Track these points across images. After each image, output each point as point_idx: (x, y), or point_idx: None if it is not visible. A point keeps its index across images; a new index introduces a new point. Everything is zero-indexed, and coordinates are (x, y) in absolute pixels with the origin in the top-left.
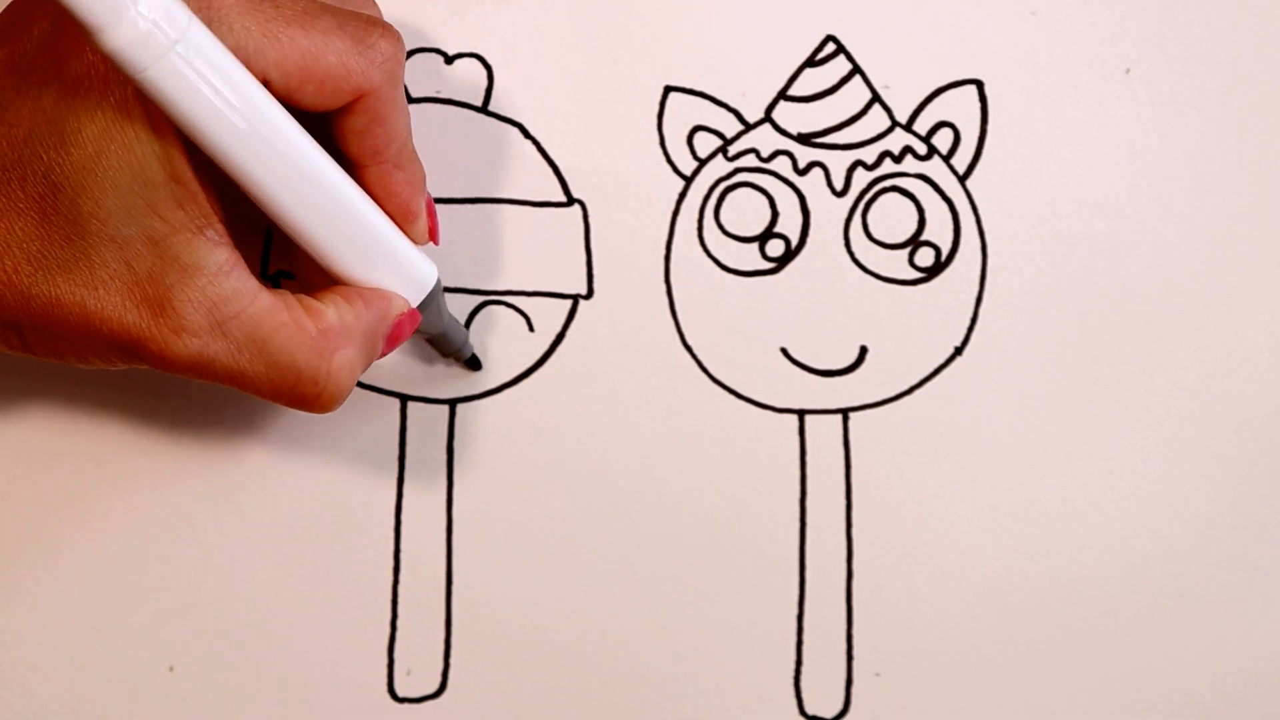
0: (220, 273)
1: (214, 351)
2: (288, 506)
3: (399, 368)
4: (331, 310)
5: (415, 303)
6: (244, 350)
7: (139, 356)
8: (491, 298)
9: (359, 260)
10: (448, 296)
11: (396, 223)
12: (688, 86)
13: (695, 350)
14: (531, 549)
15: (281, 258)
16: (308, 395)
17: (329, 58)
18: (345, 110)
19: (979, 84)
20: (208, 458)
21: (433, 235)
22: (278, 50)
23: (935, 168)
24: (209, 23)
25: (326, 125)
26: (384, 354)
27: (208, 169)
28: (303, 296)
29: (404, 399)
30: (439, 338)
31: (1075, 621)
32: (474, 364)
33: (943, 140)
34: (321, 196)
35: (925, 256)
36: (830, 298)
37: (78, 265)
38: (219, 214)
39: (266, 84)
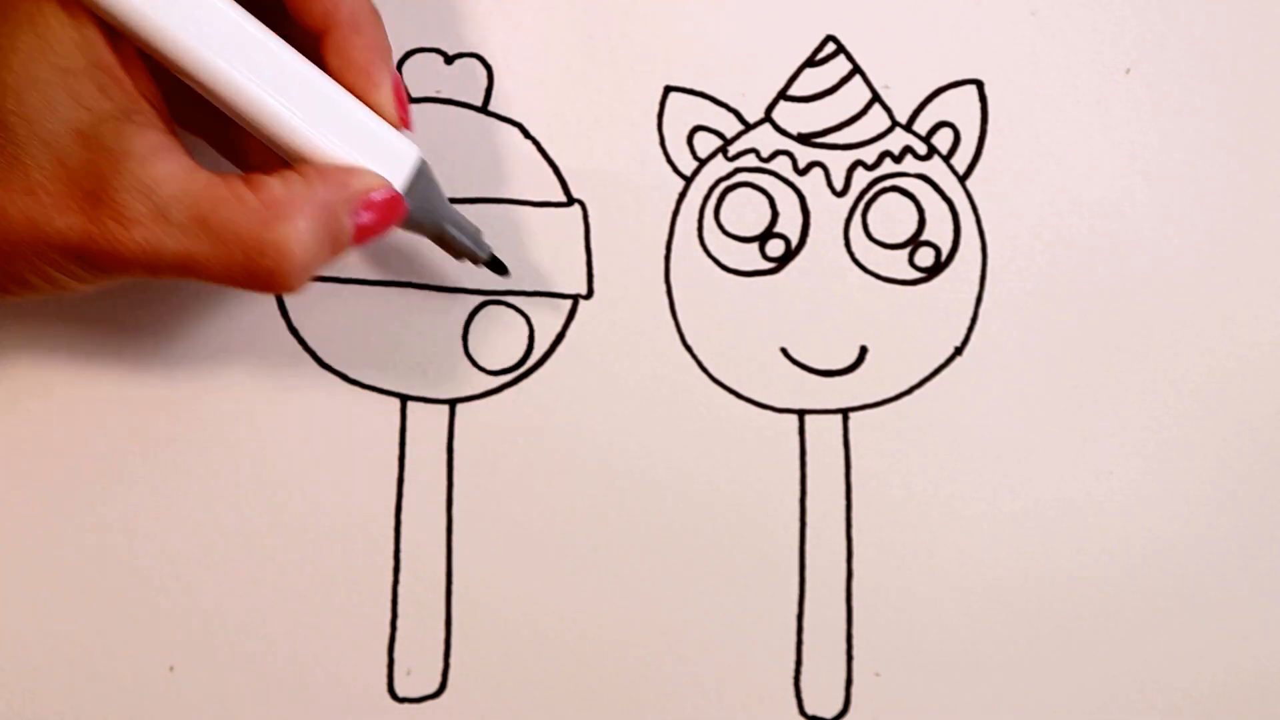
0: (153, 155)
1: (158, 237)
2: (288, 506)
3: (399, 368)
4: (277, 182)
5: (397, 185)
6: (187, 232)
7: (87, 259)
8: (491, 298)
9: (313, 134)
10: (421, 295)
11: (358, 93)
12: (688, 86)
13: (695, 350)
14: (531, 549)
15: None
16: (259, 270)
17: None
18: None
19: (979, 84)
20: (208, 457)
21: (403, 120)
22: None
23: (935, 168)
24: None
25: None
26: (360, 238)
27: (133, 54)
28: (249, 175)
29: (404, 399)
30: (443, 236)
31: (1075, 621)
32: (497, 267)
33: (943, 140)
34: (260, 64)
35: (925, 256)
36: (830, 298)
37: (12, 171)
38: (149, 98)
39: None
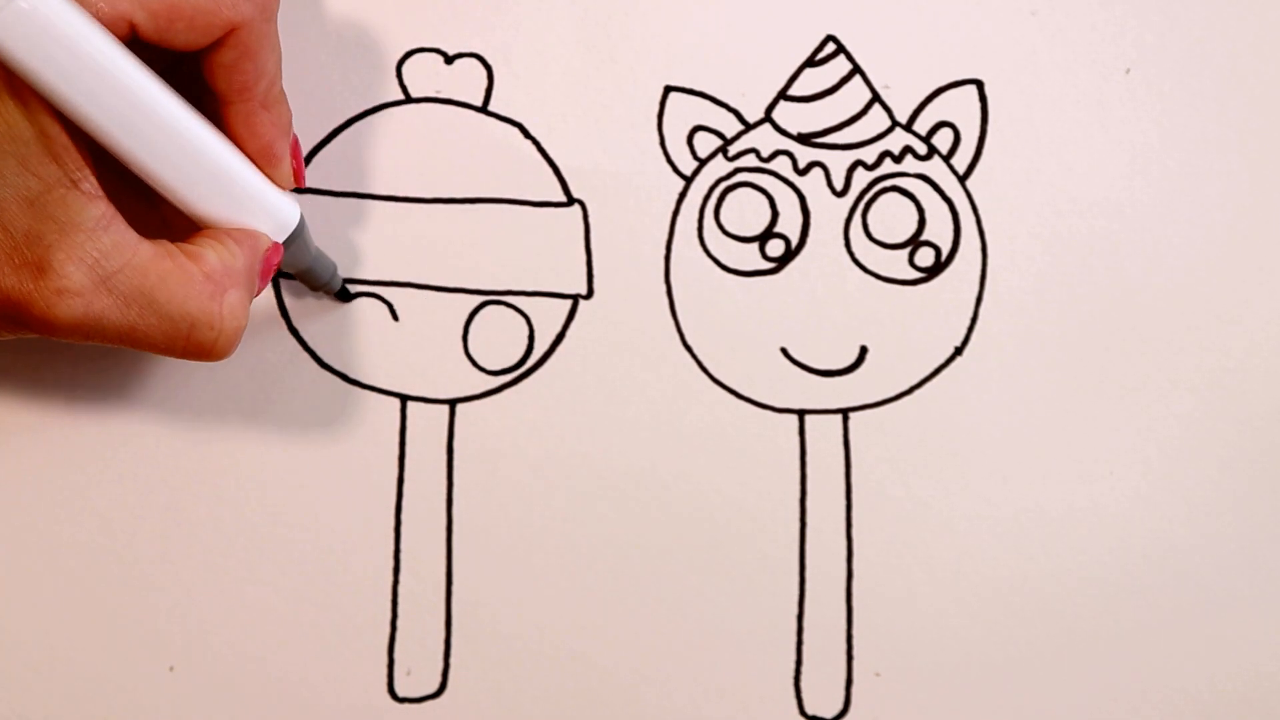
0: (99, 227)
1: (100, 309)
2: (288, 506)
3: (399, 368)
4: (211, 253)
5: (280, 239)
6: (132, 304)
7: (22, 323)
8: (491, 298)
9: (219, 202)
10: (421, 295)
11: (259, 164)
12: (688, 86)
13: (695, 350)
14: (531, 549)
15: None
16: (204, 343)
17: None
18: (216, 45)
19: (979, 84)
20: (207, 458)
21: (297, 178)
22: None
23: (935, 168)
24: None
25: (196, 66)
26: (258, 292)
27: (76, 129)
28: (181, 244)
29: (404, 399)
30: (306, 272)
31: (1075, 621)
32: (344, 295)
33: (943, 140)
34: (174, 141)
35: (925, 256)
36: (830, 298)
37: None
38: (91, 167)
39: (134, 28)
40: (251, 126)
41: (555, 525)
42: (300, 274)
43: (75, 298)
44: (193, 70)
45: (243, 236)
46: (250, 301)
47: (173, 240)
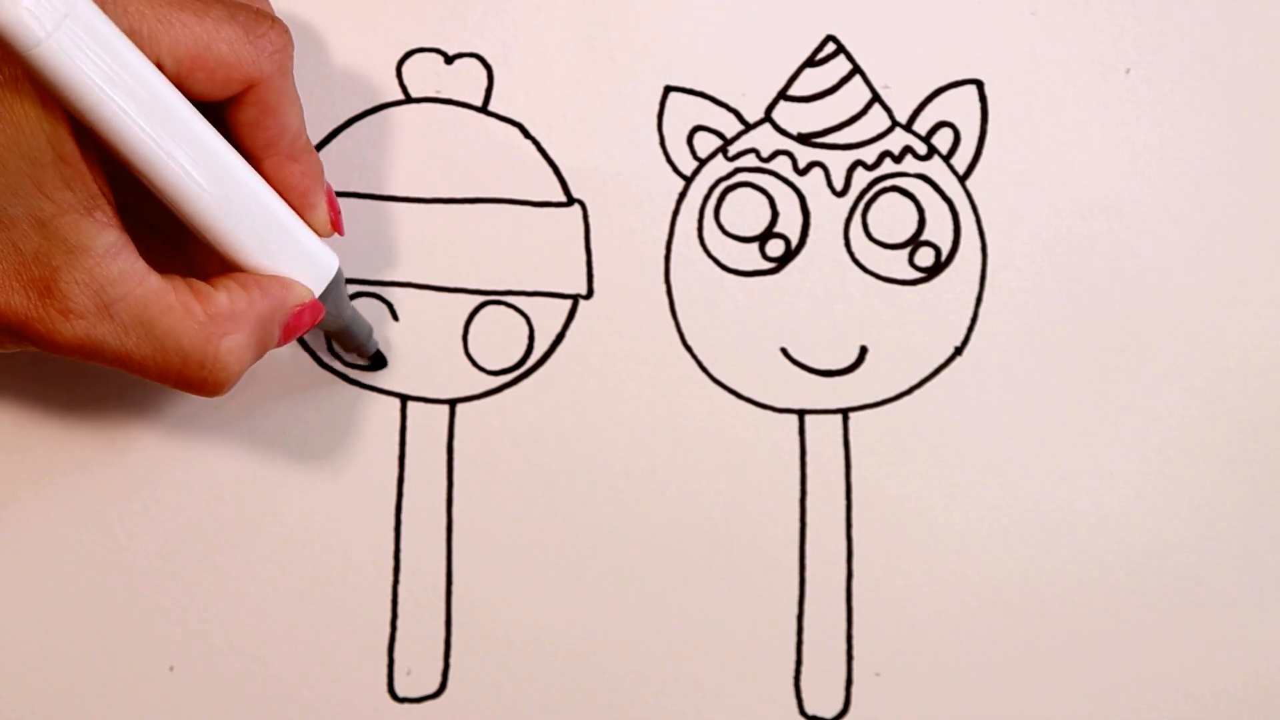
0: (108, 255)
1: (100, 334)
2: (287, 506)
3: (399, 368)
4: (223, 295)
5: (317, 293)
6: (130, 333)
7: (25, 337)
8: (491, 298)
9: (255, 246)
10: (421, 295)
11: (295, 212)
12: (688, 86)
13: (695, 350)
14: (531, 549)
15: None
16: (194, 379)
17: (220, 45)
18: (237, 101)
19: (979, 84)
20: (207, 458)
21: (336, 226)
22: (170, 35)
23: (935, 168)
24: (102, 5)
25: (222, 121)
26: (281, 343)
27: (95, 152)
28: (194, 281)
29: (404, 399)
30: (341, 333)
31: (1075, 622)
32: (378, 361)
33: (943, 140)
34: (218, 179)
35: (925, 256)
36: (830, 298)
37: None
38: (107, 196)
39: (159, 68)
40: (283, 179)
41: (555, 525)
42: (335, 334)
43: (78, 320)
44: (220, 126)
45: (270, 285)
46: (259, 351)
47: (200, 278)
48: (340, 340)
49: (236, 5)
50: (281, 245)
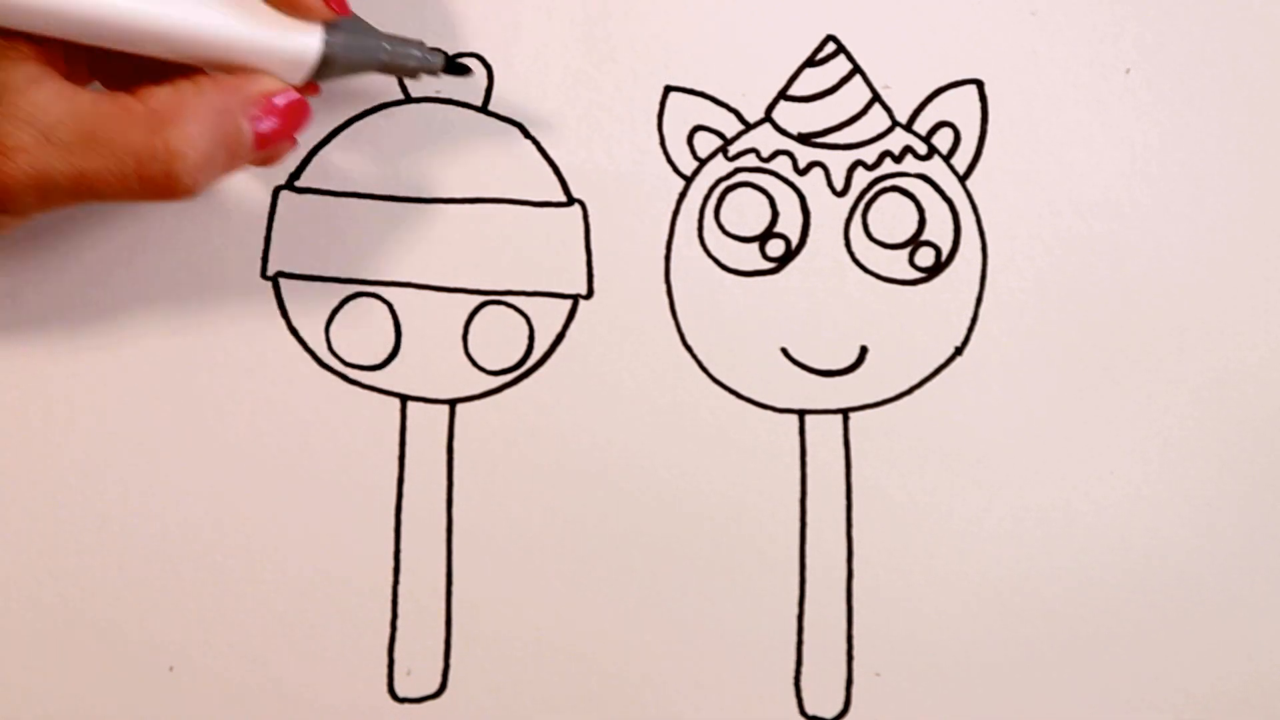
0: (29, 84)
1: (46, 161)
2: (287, 506)
3: (399, 367)
4: (165, 90)
5: (296, 80)
6: (75, 151)
7: None
8: (491, 298)
9: (203, 35)
10: (421, 295)
11: (283, 4)
12: (688, 86)
13: (695, 350)
14: (531, 549)
15: (288, 258)
16: (155, 177)
17: None
18: None
19: (979, 84)
20: (208, 458)
21: (334, 3)
22: None
23: (935, 167)
24: None
25: None
26: (264, 144)
27: None
28: (134, 88)
29: (404, 399)
30: (389, 68)
31: (1075, 621)
32: (456, 68)
33: (943, 140)
34: None
35: (925, 256)
36: (830, 298)
37: None
38: (21, 37)
39: None
40: None
41: (555, 525)
42: (383, 70)
43: (21, 154)
44: None
45: (221, 77)
46: (224, 143)
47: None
48: (398, 74)
49: None
50: (239, 33)
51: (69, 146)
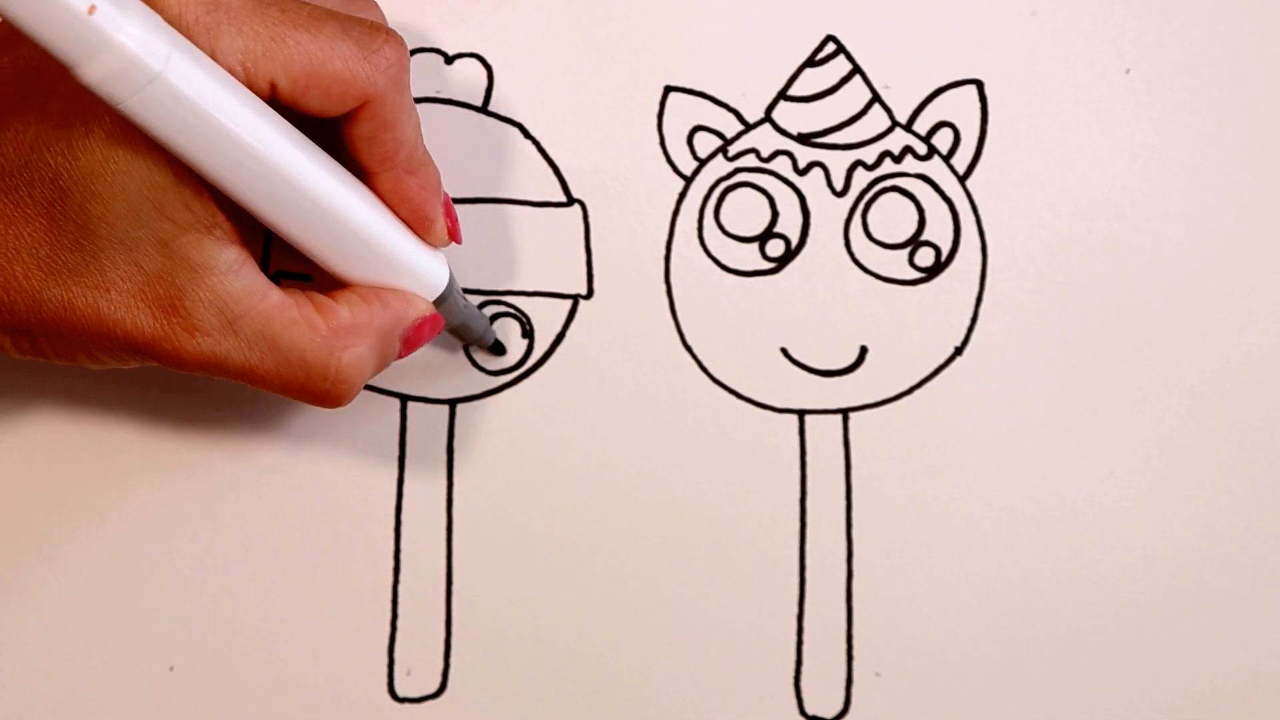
0: (230, 271)
1: (225, 349)
2: (288, 506)
3: (399, 367)
4: (345, 309)
5: (431, 299)
6: (254, 347)
7: (152, 356)
8: (491, 298)
9: (363, 267)
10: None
11: (413, 227)
12: (688, 86)
13: (695, 350)
14: (532, 549)
15: (287, 258)
16: (317, 391)
17: (334, 63)
18: (352, 117)
19: (979, 84)
20: (207, 457)
21: (453, 235)
22: (284, 54)
23: (935, 168)
24: (217, 26)
25: (337, 133)
26: (402, 355)
27: None
28: (316, 295)
29: (404, 399)
30: (459, 329)
31: (1075, 621)
32: (497, 349)
33: (943, 140)
34: (317, 208)
35: (925, 256)
36: (830, 298)
37: (88, 269)
38: (226, 212)
39: (273, 88)
40: (400, 193)
41: (555, 525)
42: (453, 330)
43: (204, 336)
44: (335, 138)
45: (391, 299)
46: (380, 363)
47: (322, 290)
48: (459, 335)
49: (351, 20)
50: (388, 265)
51: (249, 342)
